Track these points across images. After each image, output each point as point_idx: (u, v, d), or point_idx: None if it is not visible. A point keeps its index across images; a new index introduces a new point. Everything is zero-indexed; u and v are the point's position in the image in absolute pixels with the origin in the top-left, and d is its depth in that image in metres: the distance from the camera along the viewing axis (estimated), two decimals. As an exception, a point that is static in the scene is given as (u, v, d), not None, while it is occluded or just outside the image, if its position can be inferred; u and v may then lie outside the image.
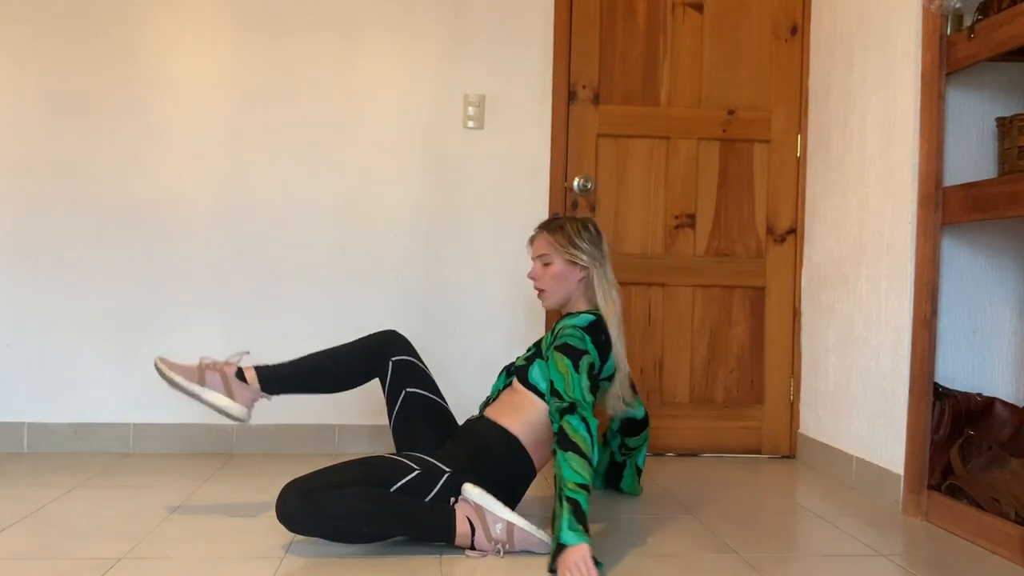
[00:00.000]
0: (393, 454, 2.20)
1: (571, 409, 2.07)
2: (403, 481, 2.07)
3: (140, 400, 3.09)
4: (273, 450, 3.12)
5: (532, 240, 2.46)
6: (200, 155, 3.13)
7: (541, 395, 2.27)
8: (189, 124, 3.12)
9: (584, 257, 2.36)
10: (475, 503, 2.08)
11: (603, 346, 2.30)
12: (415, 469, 2.10)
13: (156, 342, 3.09)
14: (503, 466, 2.23)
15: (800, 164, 3.32)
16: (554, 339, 2.27)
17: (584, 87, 3.26)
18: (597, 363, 2.27)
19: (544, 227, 2.44)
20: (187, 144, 3.12)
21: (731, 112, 3.31)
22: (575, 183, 3.24)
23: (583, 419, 2.06)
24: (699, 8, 3.31)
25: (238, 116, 3.14)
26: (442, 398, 2.45)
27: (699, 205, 3.31)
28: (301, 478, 2.04)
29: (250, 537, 2.16)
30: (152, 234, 3.11)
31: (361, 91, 3.18)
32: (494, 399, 2.39)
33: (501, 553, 2.05)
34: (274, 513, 2.06)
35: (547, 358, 2.24)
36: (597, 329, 2.30)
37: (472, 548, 2.06)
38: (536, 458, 2.29)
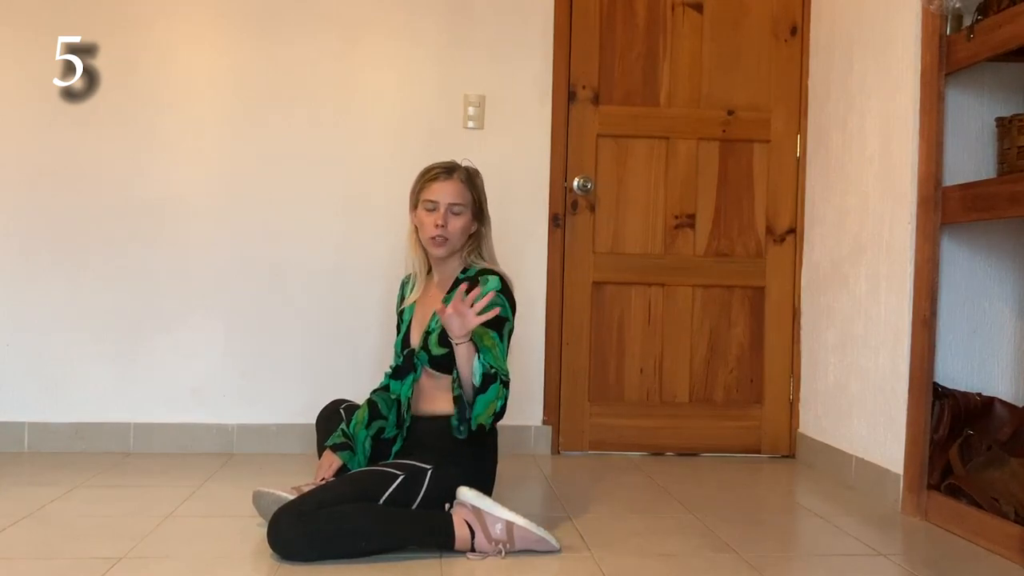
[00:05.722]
0: (371, 467, 2.18)
1: (495, 378, 2.10)
2: (391, 489, 2.06)
3: (140, 400, 3.09)
4: (273, 450, 3.12)
5: (436, 182, 2.26)
6: (200, 156, 3.13)
7: None
8: (189, 126, 3.12)
9: (487, 217, 2.35)
10: (472, 506, 2.08)
11: (514, 304, 2.27)
12: (399, 475, 2.09)
13: (156, 342, 3.10)
14: (471, 443, 2.20)
15: (800, 164, 3.32)
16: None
17: (584, 87, 3.26)
18: (512, 323, 2.24)
19: (454, 174, 2.28)
20: (187, 145, 3.12)
21: (731, 112, 3.31)
22: (575, 183, 3.25)
23: (502, 387, 2.12)
24: (699, 8, 3.31)
25: (238, 117, 3.14)
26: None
27: (699, 205, 3.31)
28: (289, 503, 2.02)
29: (250, 537, 2.16)
30: (152, 234, 3.11)
31: (361, 92, 3.18)
32: (410, 394, 2.27)
33: (503, 553, 2.05)
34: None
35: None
36: (509, 289, 2.26)
37: (473, 550, 2.06)
38: None
